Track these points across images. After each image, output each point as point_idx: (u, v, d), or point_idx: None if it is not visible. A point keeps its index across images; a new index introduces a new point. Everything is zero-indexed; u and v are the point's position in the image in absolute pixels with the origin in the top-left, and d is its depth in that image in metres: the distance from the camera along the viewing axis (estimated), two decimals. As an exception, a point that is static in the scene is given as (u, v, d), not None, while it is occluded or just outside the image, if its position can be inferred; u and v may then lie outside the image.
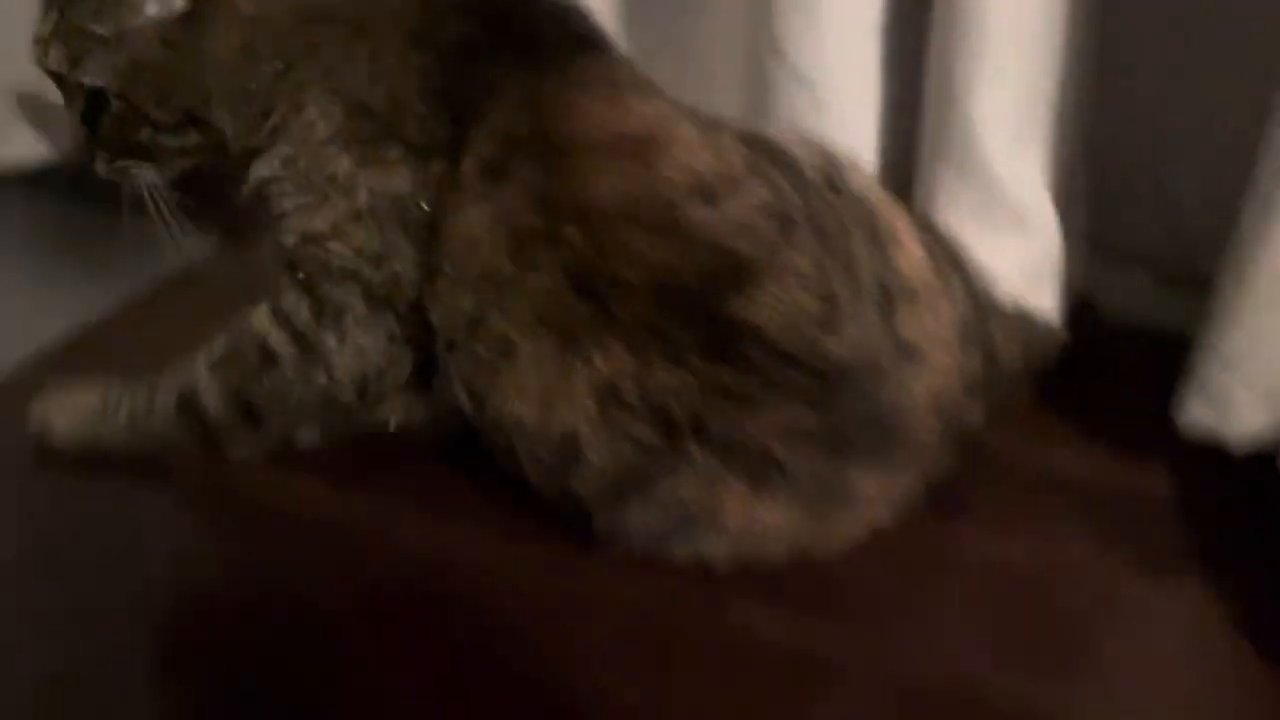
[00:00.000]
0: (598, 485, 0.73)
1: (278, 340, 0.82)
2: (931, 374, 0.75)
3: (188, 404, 0.84)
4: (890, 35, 0.93)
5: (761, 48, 0.93)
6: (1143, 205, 1.00)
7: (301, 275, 0.81)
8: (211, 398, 0.83)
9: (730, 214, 0.72)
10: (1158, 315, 0.99)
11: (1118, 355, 1.00)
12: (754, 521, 0.73)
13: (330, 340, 0.81)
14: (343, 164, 0.79)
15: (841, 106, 0.93)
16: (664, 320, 0.71)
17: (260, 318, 0.83)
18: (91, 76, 0.79)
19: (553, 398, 0.72)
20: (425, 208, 0.78)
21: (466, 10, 0.80)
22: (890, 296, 0.75)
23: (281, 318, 0.82)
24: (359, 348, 0.81)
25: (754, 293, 0.71)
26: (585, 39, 0.81)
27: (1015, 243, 0.92)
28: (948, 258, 0.84)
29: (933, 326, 0.76)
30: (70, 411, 0.87)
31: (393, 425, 0.88)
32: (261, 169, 0.82)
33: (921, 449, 0.76)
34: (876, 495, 0.76)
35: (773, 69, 0.93)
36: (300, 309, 0.82)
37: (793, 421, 0.71)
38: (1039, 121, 0.89)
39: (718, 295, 0.71)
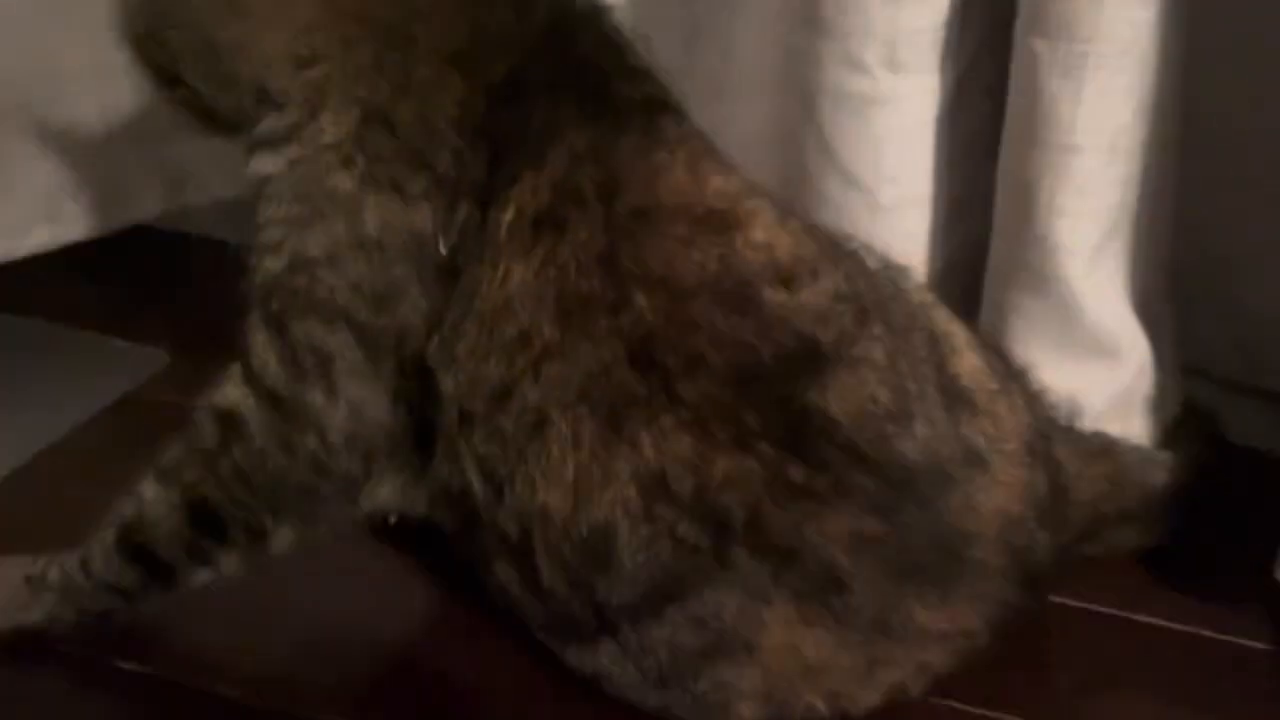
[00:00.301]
0: (626, 593, 0.65)
1: (244, 404, 0.70)
2: (998, 489, 0.68)
3: (130, 535, 0.71)
4: (944, 134, 0.87)
5: (808, 146, 0.88)
6: (1212, 317, 0.95)
7: (275, 307, 0.70)
8: (160, 513, 0.70)
9: (807, 300, 0.68)
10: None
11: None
12: (793, 652, 0.65)
13: (315, 395, 0.69)
14: (343, 180, 0.69)
15: (899, 211, 0.88)
16: (736, 402, 0.65)
17: (224, 384, 0.71)
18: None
19: (588, 485, 0.64)
20: (444, 252, 0.69)
21: (531, 48, 0.71)
22: (953, 400, 0.69)
23: (250, 374, 0.70)
24: (356, 402, 0.69)
25: (829, 382, 0.65)
26: (661, 102, 0.74)
27: (1102, 370, 0.86)
28: (1006, 371, 0.76)
29: (996, 435, 0.69)
30: None
31: (392, 519, 0.78)
32: (265, 163, 0.71)
33: (986, 581, 0.68)
34: (933, 633, 0.67)
35: (821, 167, 0.88)
36: (269, 357, 0.69)
37: (860, 529, 0.64)
38: (1123, 239, 0.83)
39: (793, 381, 0.65)
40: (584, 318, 0.66)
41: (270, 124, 0.71)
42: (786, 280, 0.67)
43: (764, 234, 0.69)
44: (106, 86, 0.92)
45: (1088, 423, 0.84)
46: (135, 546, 0.71)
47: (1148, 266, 0.86)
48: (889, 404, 0.65)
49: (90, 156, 1.01)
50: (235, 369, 0.71)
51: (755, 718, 0.67)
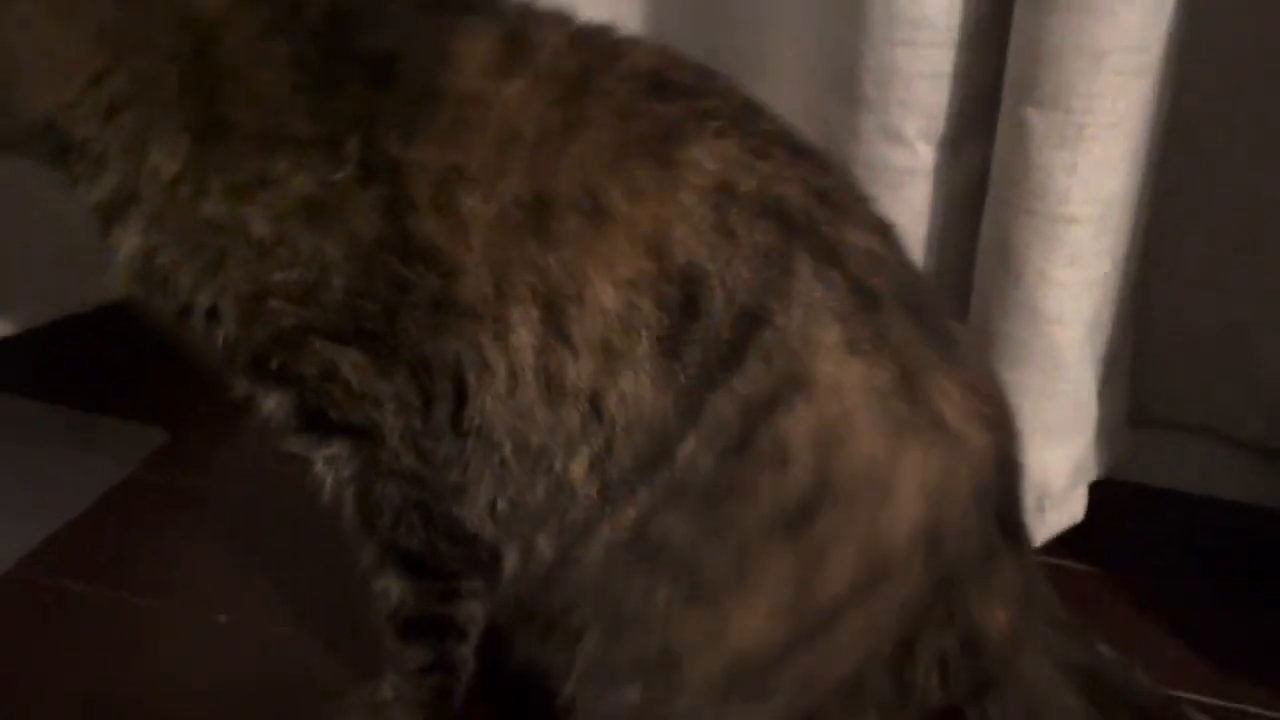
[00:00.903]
0: (717, 339, 0.63)
1: (341, 471, 0.70)
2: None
3: (396, 620, 0.72)
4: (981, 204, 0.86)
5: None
6: (1234, 382, 0.96)
7: (275, 365, 0.67)
8: (394, 588, 0.72)
9: None
10: (1245, 492, 0.97)
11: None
12: (837, 392, 0.63)
13: (371, 413, 0.67)
14: (210, 206, 0.65)
15: (936, 280, 0.88)
16: (747, 113, 0.68)
17: (319, 473, 0.70)
18: None
19: (665, 228, 0.63)
20: (338, 178, 0.65)
21: None
22: None
23: (314, 435, 0.69)
24: (393, 397, 0.67)
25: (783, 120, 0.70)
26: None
27: (1066, 445, 0.86)
28: None
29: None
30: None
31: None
32: (128, 238, 0.68)
33: (978, 381, 0.67)
34: (950, 426, 0.64)
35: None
36: (292, 411, 0.69)
37: (870, 245, 0.66)
38: (1109, 309, 0.83)
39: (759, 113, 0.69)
40: (590, 82, 0.65)
41: (101, 187, 0.68)
42: None
43: None
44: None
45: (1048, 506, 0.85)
46: (405, 625, 0.72)
47: (1122, 332, 0.86)
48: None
49: (79, 228, 0.99)
50: (314, 455, 0.70)
51: (809, 464, 0.63)
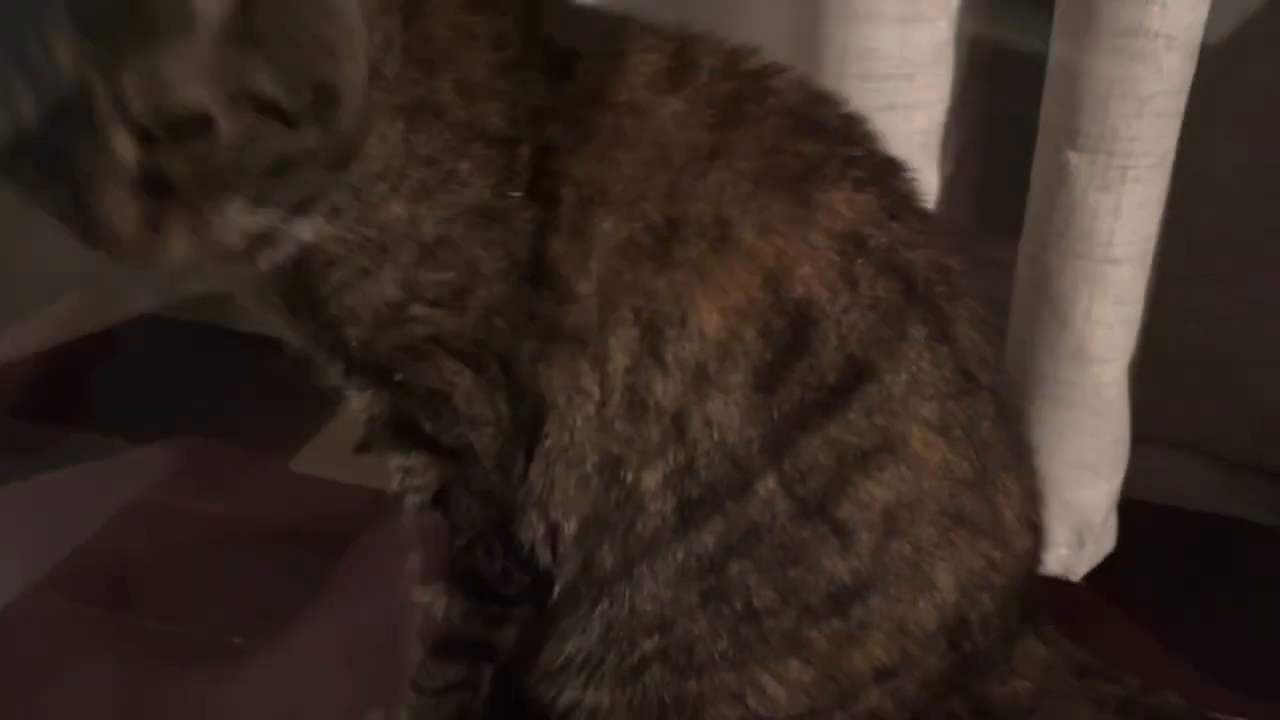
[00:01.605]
0: (823, 371, 0.62)
1: (412, 479, 0.68)
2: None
3: (435, 633, 0.71)
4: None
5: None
6: (1225, 399, 0.98)
7: (399, 377, 0.66)
8: (442, 604, 0.70)
9: None
10: (1231, 507, 0.98)
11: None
12: (919, 465, 0.63)
13: (467, 434, 0.66)
14: (395, 207, 0.61)
15: None
16: (888, 170, 0.67)
17: (389, 473, 0.69)
18: (186, 91, 0.51)
19: (786, 265, 0.62)
20: (516, 195, 0.63)
21: None
22: None
23: (394, 454, 0.68)
24: (493, 421, 0.66)
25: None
26: None
27: (1108, 482, 0.86)
28: None
29: None
30: None
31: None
32: (300, 228, 0.59)
33: (1036, 498, 0.69)
34: (1006, 526, 0.66)
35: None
36: (381, 416, 0.67)
37: (975, 335, 0.65)
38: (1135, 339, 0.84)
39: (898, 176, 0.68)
40: (738, 110, 0.65)
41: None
42: None
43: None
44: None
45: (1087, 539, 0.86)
46: (443, 642, 0.71)
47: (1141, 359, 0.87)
48: None
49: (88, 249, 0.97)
50: (394, 462, 0.69)
51: (870, 544, 0.63)
